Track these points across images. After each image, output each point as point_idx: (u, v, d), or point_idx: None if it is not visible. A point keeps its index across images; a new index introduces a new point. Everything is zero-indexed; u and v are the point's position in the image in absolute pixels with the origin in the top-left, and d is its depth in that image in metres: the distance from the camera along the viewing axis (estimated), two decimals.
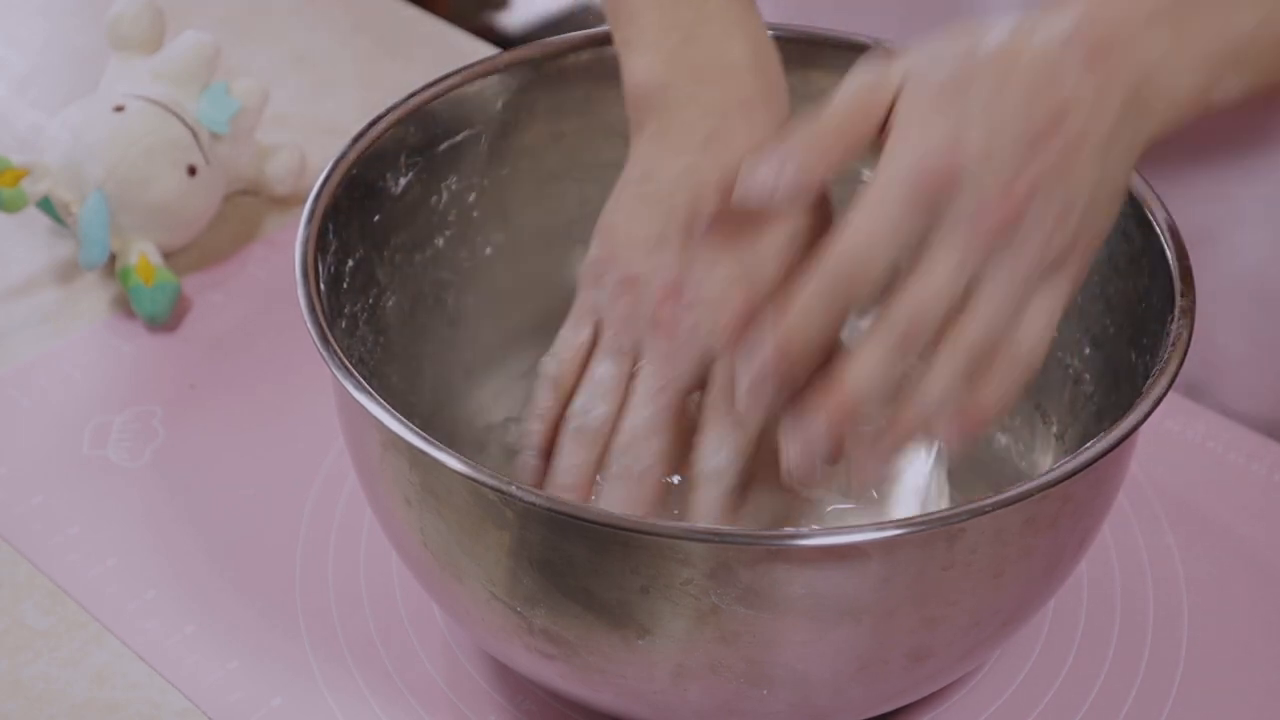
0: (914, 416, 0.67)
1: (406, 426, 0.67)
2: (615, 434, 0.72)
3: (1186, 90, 0.68)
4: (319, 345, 0.70)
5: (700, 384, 0.73)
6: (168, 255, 0.99)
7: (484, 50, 1.17)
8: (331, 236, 0.77)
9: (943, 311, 0.66)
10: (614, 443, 0.72)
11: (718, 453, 0.72)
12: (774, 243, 0.72)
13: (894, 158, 0.66)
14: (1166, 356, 0.70)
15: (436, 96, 0.82)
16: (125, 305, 0.97)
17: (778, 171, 0.67)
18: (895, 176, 0.66)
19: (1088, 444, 0.67)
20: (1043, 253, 0.66)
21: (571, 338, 0.74)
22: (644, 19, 0.73)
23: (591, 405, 0.72)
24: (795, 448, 0.68)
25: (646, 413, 0.71)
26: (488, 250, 0.86)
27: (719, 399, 0.72)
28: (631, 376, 0.73)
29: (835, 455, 0.68)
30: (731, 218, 0.71)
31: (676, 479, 0.74)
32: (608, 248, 0.73)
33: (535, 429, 0.74)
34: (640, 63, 0.73)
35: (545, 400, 0.74)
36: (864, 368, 0.67)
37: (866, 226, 0.66)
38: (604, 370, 0.73)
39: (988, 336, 0.67)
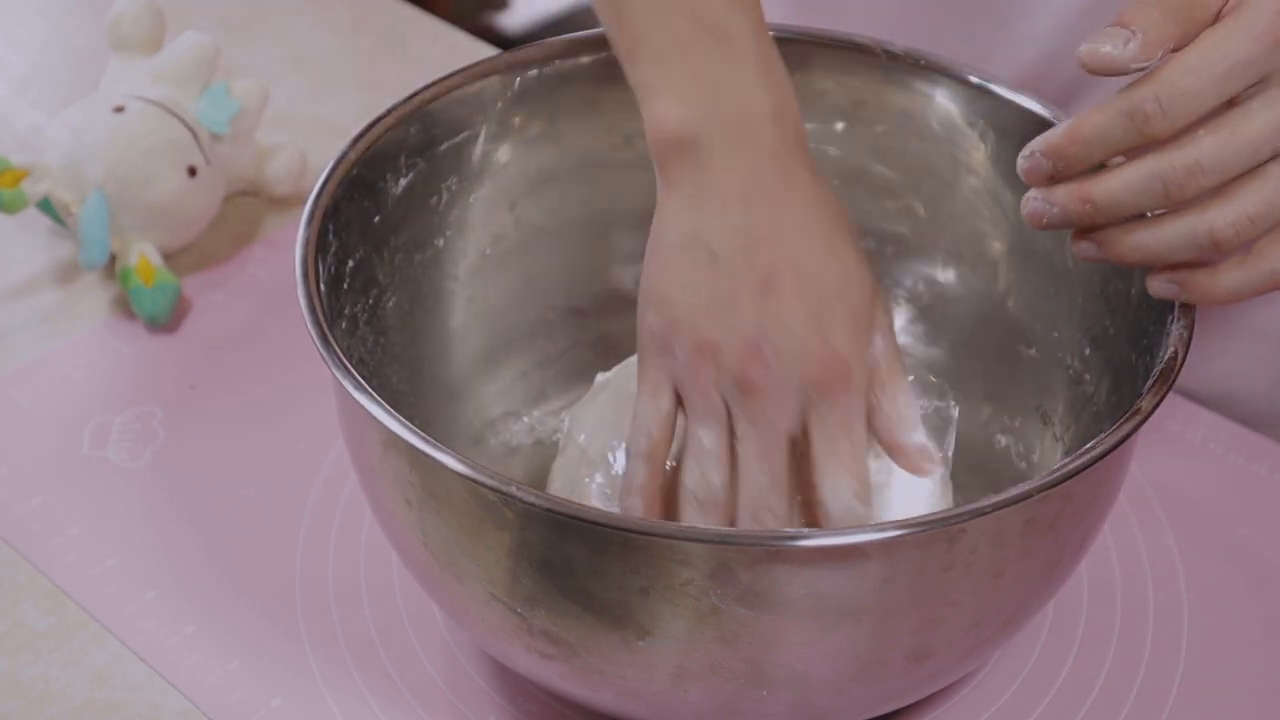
0: (1135, 244, 0.69)
1: (406, 427, 0.67)
2: (740, 501, 0.71)
3: None
4: (319, 345, 0.70)
5: (798, 430, 0.71)
6: (168, 256, 0.99)
7: (484, 50, 1.17)
8: (331, 237, 0.77)
9: (1231, 169, 0.66)
10: (741, 509, 0.71)
11: (842, 496, 0.70)
12: (835, 284, 0.71)
13: (1253, 9, 0.65)
14: (1166, 356, 0.70)
15: (436, 97, 0.82)
16: (125, 306, 0.97)
17: (1126, 40, 0.66)
18: (1247, 26, 0.65)
19: (1088, 445, 0.67)
20: None
21: (654, 411, 0.72)
22: (673, 66, 0.72)
23: (709, 476, 0.71)
24: (1032, 197, 0.69)
25: (764, 477, 0.70)
26: (487, 251, 0.86)
27: (825, 447, 0.71)
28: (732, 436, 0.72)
29: (1048, 220, 0.69)
30: (792, 264, 0.71)
31: None
32: (668, 316, 0.71)
33: (635, 504, 0.73)
34: (670, 113, 0.71)
35: (641, 476, 0.72)
36: (1122, 178, 0.67)
37: (1199, 63, 0.65)
38: (710, 439, 0.71)
39: (1259, 214, 0.67)
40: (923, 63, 0.84)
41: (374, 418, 0.68)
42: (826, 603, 0.66)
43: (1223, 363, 0.93)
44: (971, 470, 0.85)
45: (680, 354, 0.71)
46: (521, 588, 0.68)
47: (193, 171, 0.98)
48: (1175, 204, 0.67)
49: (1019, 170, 0.69)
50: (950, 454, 0.85)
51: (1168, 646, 0.81)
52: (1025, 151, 0.69)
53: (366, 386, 0.68)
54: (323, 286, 0.74)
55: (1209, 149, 0.66)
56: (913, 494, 0.76)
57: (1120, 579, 0.84)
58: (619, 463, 0.77)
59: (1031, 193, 0.70)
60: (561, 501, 0.66)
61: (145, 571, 0.83)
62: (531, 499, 0.65)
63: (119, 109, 0.97)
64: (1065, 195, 0.69)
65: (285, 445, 0.89)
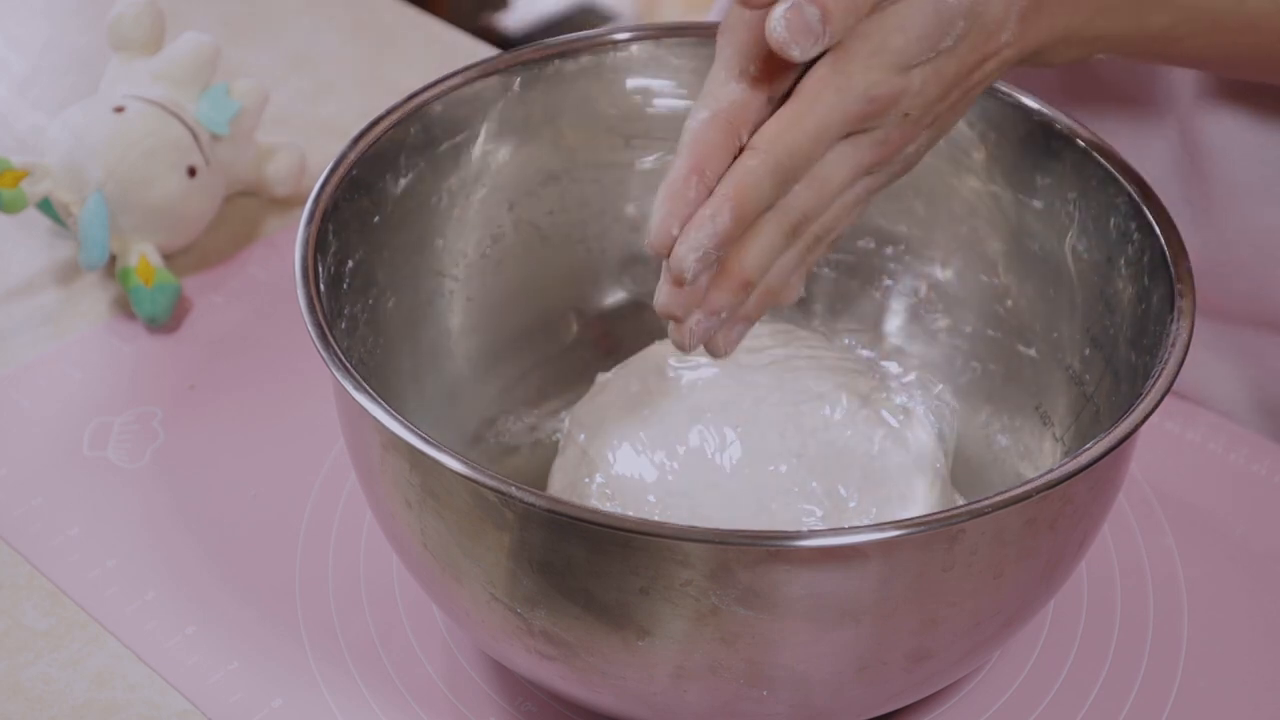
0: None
1: (406, 427, 0.67)
2: None
3: None
4: (319, 346, 0.70)
5: None
6: (168, 256, 0.99)
7: (484, 50, 1.17)
8: (331, 237, 0.77)
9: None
10: None
11: None
12: None
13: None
14: (1166, 356, 0.70)
15: (436, 97, 0.82)
16: (125, 306, 0.97)
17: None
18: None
19: (1088, 445, 0.67)
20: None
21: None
22: None
23: None
24: (695, 319, 0.69)
25: None
26: (487, 251, 0.86)
27: None
28: None
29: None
30: None
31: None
32: None
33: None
34: None
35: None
36: (759, 244, 0.68)
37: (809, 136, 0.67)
38: None
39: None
40: None
41: (374, 418, 0.68)
42: (826, 603, 0.66)
43: (1222, 363, 0.93)
44: (971, 470, 0.85)
45: None
46: (521, 588, 0.68)
47: (193, 172, 0.98)
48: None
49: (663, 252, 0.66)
50: (949, 453, 0.85)
51: (1168, 646, 0.81)
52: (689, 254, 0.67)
53: (366, 387, 0.68)
54: (323, 286, 0.74)
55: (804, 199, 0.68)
56: (913, 494, 0.76)
57: (1120, 579, 0.84)
58: (619, 463, 0.77)
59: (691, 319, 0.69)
60: (561, 502, 0.66)
61: (145, 571, 0.83)
62: (531, 499, 0.65)
63: (119, 110, 0.98)
64: (725, 293, 0.68)
65: (285, 445, 0.89)
